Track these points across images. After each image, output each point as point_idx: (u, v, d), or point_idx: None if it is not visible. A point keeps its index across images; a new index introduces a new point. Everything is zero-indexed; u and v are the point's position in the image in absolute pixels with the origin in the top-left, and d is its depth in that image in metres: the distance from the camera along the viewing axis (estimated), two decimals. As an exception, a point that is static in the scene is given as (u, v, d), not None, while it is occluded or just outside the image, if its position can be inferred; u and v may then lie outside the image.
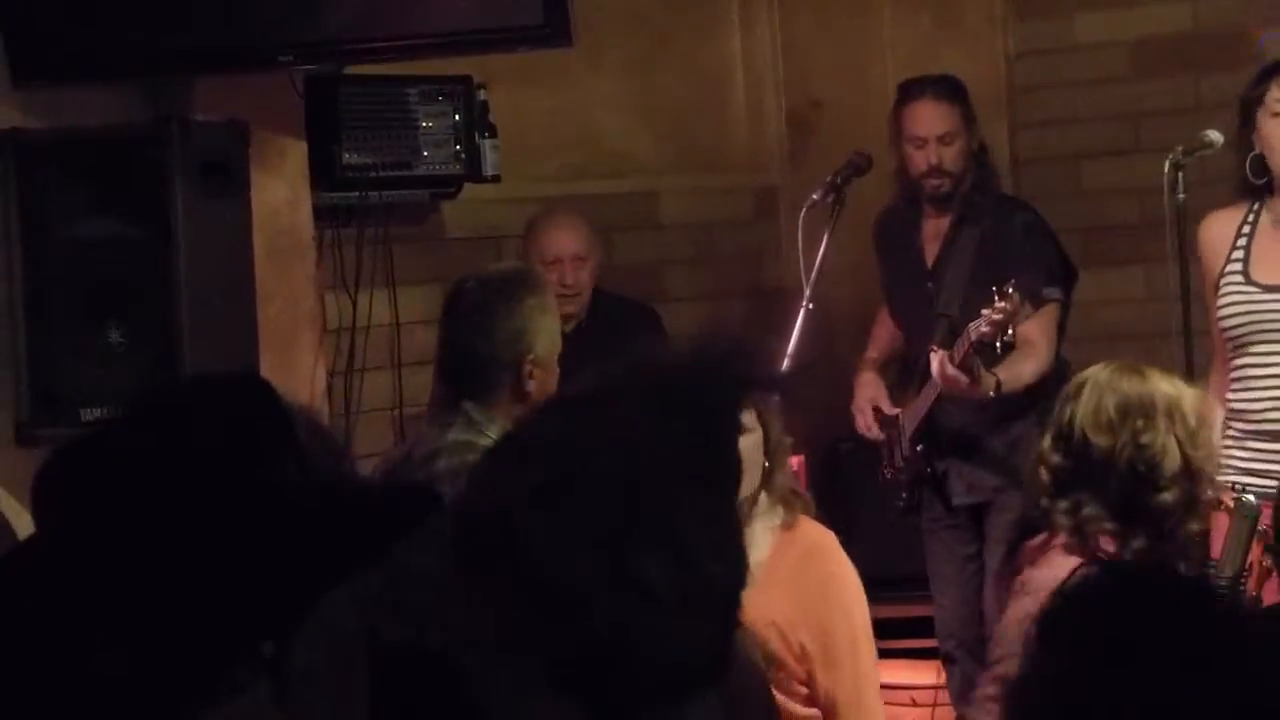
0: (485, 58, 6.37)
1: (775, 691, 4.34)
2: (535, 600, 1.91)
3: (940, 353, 6.19)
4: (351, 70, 6.21)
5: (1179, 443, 4.13)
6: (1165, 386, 4.25)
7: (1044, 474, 4.25)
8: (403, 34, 5.82)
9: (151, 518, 2.07)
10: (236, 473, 2.11)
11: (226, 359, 5.26)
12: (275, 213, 5.77)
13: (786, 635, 4.45)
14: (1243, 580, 4.35)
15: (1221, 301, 5.76)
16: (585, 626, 1.89)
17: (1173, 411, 4.17)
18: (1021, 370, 6.21)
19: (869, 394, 6.75)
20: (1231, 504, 5.10)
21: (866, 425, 6.67)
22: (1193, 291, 5.80)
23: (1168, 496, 4.11)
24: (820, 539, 4.60)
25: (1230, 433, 5.70)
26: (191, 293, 5.32)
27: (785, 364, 5.81)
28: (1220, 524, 5.47)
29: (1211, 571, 4.71)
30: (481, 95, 6.64)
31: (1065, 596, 2.52)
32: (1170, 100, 7.57)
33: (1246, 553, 4.50)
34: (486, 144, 6.67)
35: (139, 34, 5.28)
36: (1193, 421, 4.20)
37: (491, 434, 4.65)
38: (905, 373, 6.74)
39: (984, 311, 5.96)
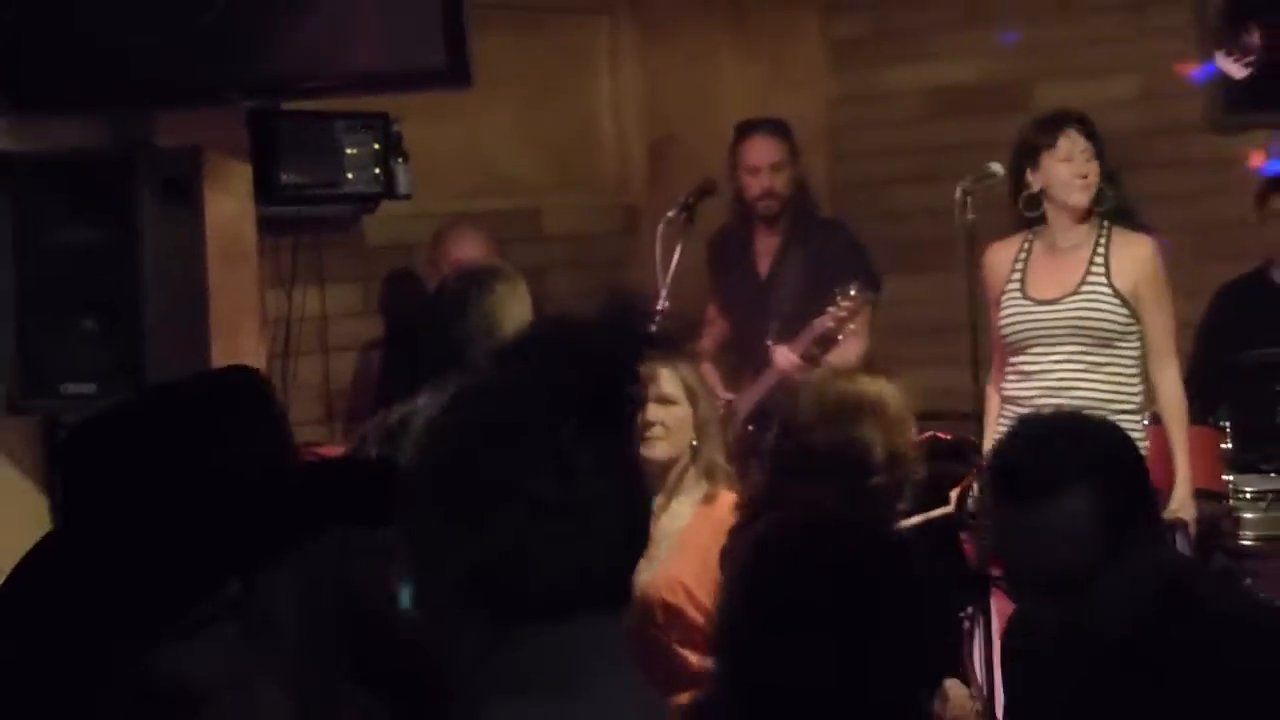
0: (399, 96, 6.33)
1: (679, 645, 4.32)
2: (444, 519, 1.90)
3: (783, 347, 6.21)
4: (289, 105, 6.17)
5: (884, 435, 4.03)
6: (871, 388, 4.15)
7: (773, 460, 4.16)
8: (331, 76, 5.77)
9: (145, 473, 2.06)
10: (223, 444, 2.09)
11: (182, 345, 5.21)
12: (224, 223, 5.70)
13: (694, 594, 4.33)
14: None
15: (1003, 314, 5.75)
16: (483, 539, 1.87)
17: (877, 409, 4.06)
18: (848, 358, 6.22)
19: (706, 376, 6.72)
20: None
21: None
22: (976, 295, 5.82)
23: (878, 481, 4.01)
24: (726, 504, 4.42)
25: (1005, 416, 5.70)
26: (154, 289, 5.26)
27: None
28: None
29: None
30: (396, 127, 6.58)
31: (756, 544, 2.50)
32: (961, 137, 7.59)
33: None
34: (400, 167, 6.63)
35: (110, 72, 5.21)
36: (894, 416, 4.10)
37: None
38: (737, 364, 6.74)
39: (829, 309, 6.01)
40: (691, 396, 4.51)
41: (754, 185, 6.63)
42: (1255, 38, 7.09)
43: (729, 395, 6.56)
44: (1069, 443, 2.88)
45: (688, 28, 8.24)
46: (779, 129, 6.77)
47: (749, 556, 2.54)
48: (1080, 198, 5.64)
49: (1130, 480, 2.87)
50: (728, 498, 4.44)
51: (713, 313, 6.91)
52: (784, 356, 6.17)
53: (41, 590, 2.10)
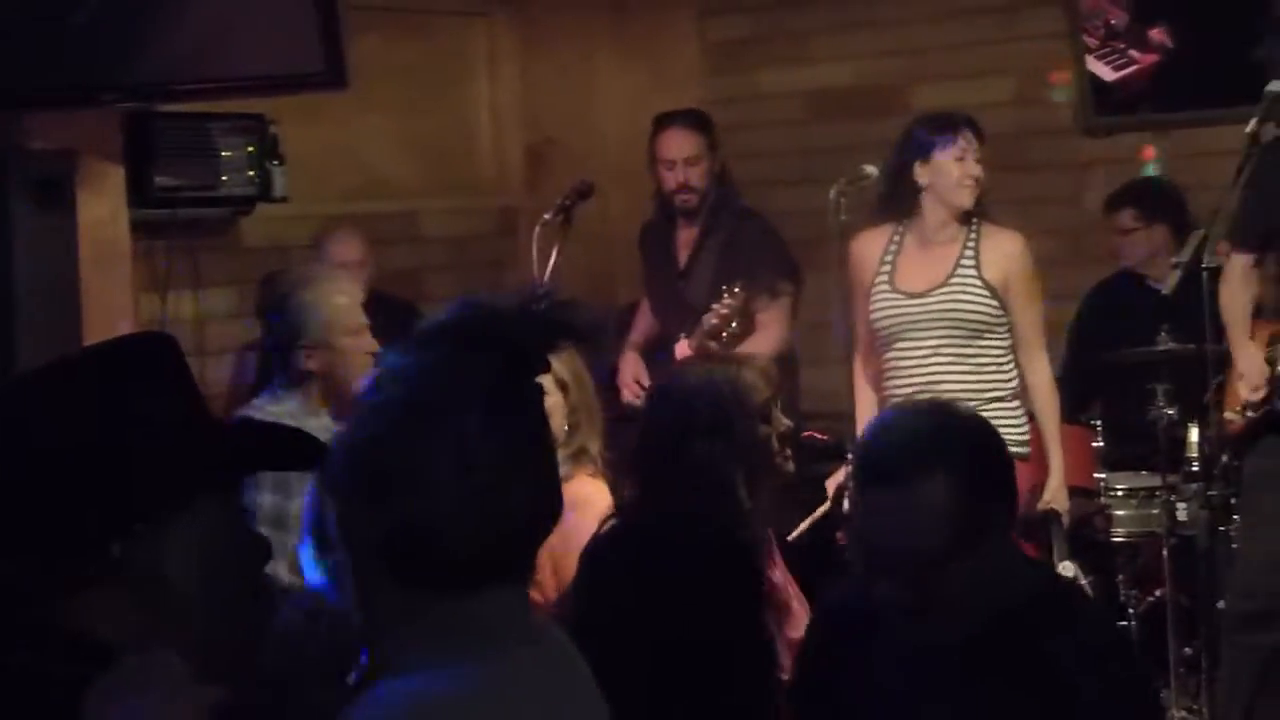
0: (276, 97, 6.33)
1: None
2: (356, 494, 1.98)
3: (682, 340, 6.25)
4: (164, 107, 6.15)
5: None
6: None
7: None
8: (207, 78, 5.75)
9: (28, 435, 2.08)
10: (115, 406, 2.10)
11: (55, 348, 5.17)
12: (97, 226, 5.68)
13: (543, 570, 4.25)
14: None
15: (873, 306, 5.75)
16: (390, 515, 1.95)
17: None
18: (761, 349, 6.22)
19: (631, 370, 6.70)
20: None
21: (632, 396, 6.58)
22: (850, 294, 5.81)
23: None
24: (585, 495, 4.37)
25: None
26: (27, 291, 5.25)
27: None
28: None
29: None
30: (272, 129, 6.59)
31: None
32: (837, 140, 7.64)
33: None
34: (276, 170, 6.63)
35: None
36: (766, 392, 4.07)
37: (290, 403, 4.62)
38: (661, 355, 6.71)
39: (714, 306, 6.01)
40: (562, 385, 4.52)
41: (669, 179, 6.60)
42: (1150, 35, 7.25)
43: (650, 385, 6.55)
44: (934, 429, 2.95)
45: (566, 31, 8.27)
46: (696, 121, 6.72)
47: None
48: (968, 198, 5.71)
49: (990, 472, 2.94)
50: (584, 484, 4.44)
51: (642, 305, 6.94)
52: (681, 349, 6.21)
53: None
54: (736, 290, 6.01)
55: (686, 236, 6.70)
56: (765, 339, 6.31)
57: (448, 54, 7.94)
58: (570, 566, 4.37)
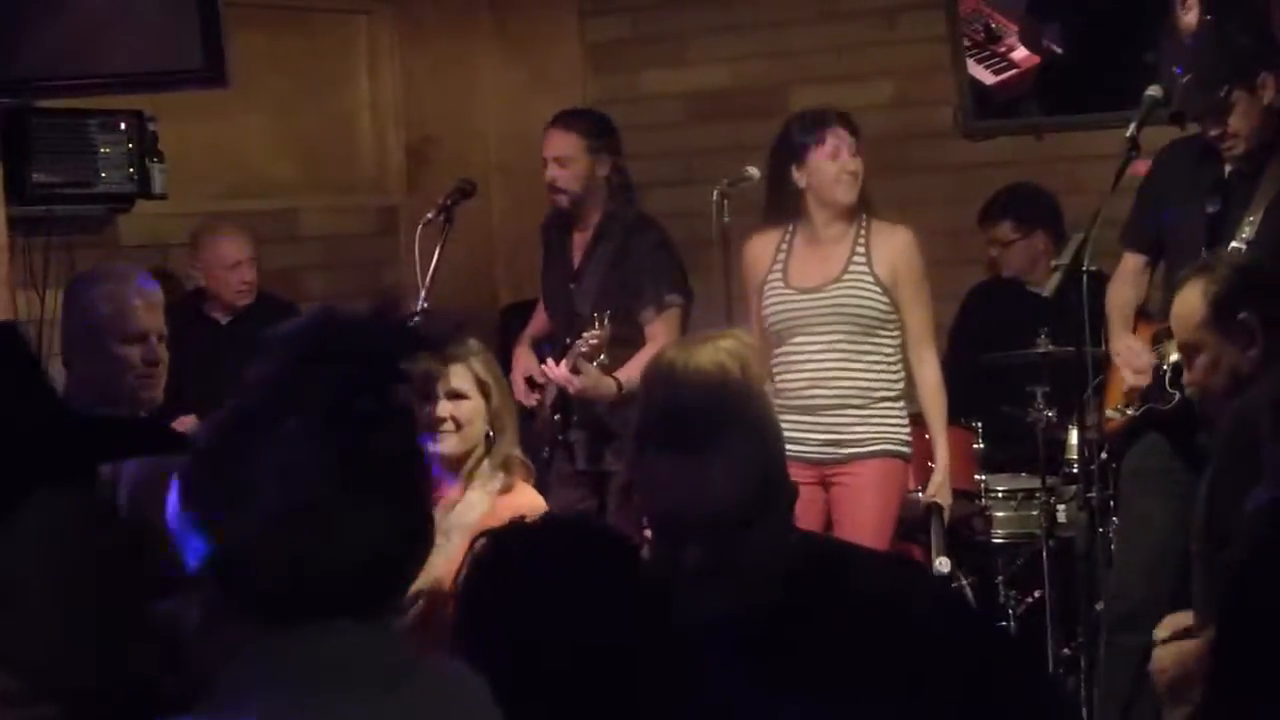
0: (155, 94, 6.29)
1: None
2: (192, 512, 1.89)
3: (549, 362, 6.21)
4: (42, 103, 6.09)
5: None
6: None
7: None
8: (85, 74, 5.73)
9: None
10: None
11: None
12: None
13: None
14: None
15: (766, 303, 5.81)
16: (219, 535, 1.86)
17: None
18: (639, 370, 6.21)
19: (523, 366, 6.64)
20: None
21: (522, 393, 6.51)
22: (733, 296, 5.87)
23: None
24: (529, 504, 4.43)
25: (776, 409, 5.75)
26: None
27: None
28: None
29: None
30: (152, 126, 6.52)
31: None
32: (716, 141, 7.68)
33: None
34: (155, 167, 6.56)
35: None
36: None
37: None
38: (553, 354, 6.65)
39: (584, 334, 5.94)
40: (484, 389, 4.52)
41: (549, 178, 6.50)
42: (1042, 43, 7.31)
43: (543, 380, 6.49)
44: (735, 396, 2.98)
45: (447, 29, 8.25)
46: (574, 122, 6.59)
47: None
48: (848, 194, 5.75)
49: (779, 432, 2.98)
50: (524, 493, 4.50)
51: (540, 302, 6.88)
52: (551, 370, 6.18)
53: None
54: (606, 323, 5.95)
55: (580, 240, 6.63)
56: (652, 351, 6.26)
57: (328, 51, 7.90)
58: None
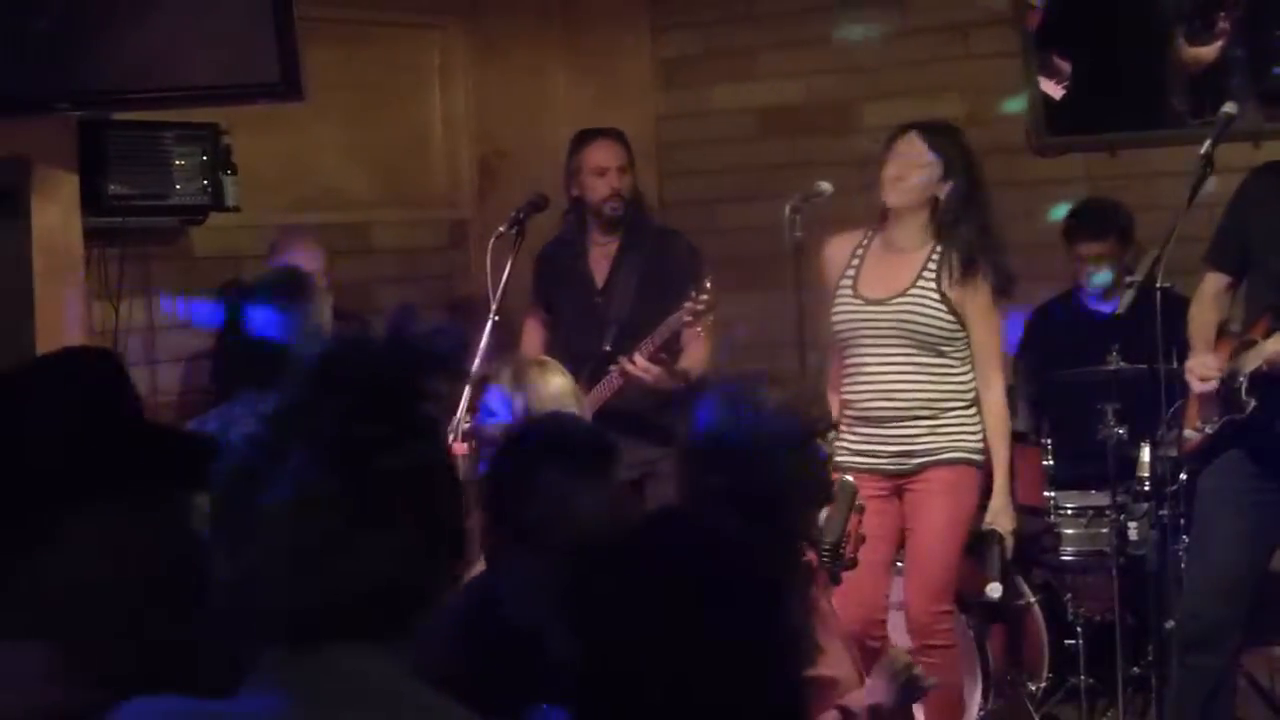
0: (229, 107, 6.33)
1: None
2: (215, 534, 1.94)
3: (635, 355, 6.26)
4: (118, 116, 6.14)
5: None
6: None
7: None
8: (161, 87, 5.76)
9: None
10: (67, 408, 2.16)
11: (7, 352, 5.17)
12: (51, 233, 5.68)
13: None
14: (842, 546, 4.43)
15: (835, 310, 5.83)
16: (231, 559, 1.89)
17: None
18: (699, 360, 6.32)
19: None
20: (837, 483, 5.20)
21: None
22: (805, 311, 5.88)
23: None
24: None
25: (845, 419, 5.76)
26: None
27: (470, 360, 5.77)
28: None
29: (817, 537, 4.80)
30: (225, 139, 6.59)
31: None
32: (788, 156, 7.69)
33: (846, 522, 4.61)
34: (228, 180, 6.63)
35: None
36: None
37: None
38: (573, 369, 6.70)
39: (686, 304, 6.04)
40: None
41: (601, 186, 6.63)
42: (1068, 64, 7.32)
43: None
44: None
45: (519, 43, 8.28)
46: (619, 135, 6.80)
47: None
48: (892, 197, 5.77)
49: None
50: None
51: (532, 322, 6.92)
52: (635, 363, 6.23)
53: None
54: (708, 288, 6.04)
55: (603, 253, 6.72)
56: (694, 355, 6.35)
57: (400, 65, 7.96)
58: None
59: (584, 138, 6.79)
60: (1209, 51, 6.99)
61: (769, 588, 2.28)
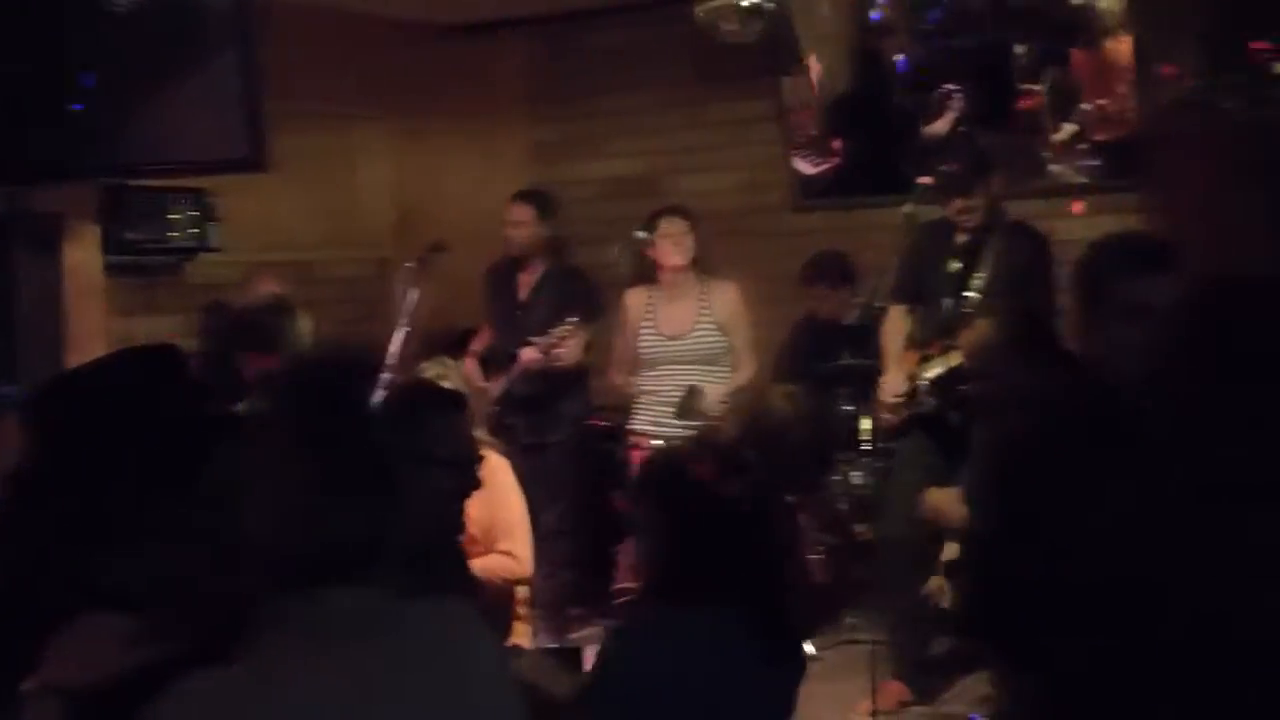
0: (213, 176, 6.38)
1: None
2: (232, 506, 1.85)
3: (526, 350, 6.38)
4: (132, 182, 6.20)
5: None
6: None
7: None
8: (163, 161, 5.76)
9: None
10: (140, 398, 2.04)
11: (45, 362, 5.15)
12: (78, 269, 5.53)
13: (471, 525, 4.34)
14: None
15: (641, 343, 6.07)
16: (249, 525, 1.81)
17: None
18: (568, 360, 6.41)
19: (472, 370, 6.76)
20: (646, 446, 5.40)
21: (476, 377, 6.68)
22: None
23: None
24: (494, 462, 4.40)
25: (642, 403, 6.00)
26: (25, 316, 5.23)
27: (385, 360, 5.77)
28: (638, 457, 5.80)
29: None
30: (210, 199, 6.60)
31: None
32: (620, 213, 7.78)
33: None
34: (212, 228, 6.63)
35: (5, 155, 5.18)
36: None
37: None
38: (496, 363, 6.76)
39: (552, 331, 6.22)
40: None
41: (509, 235, 6.77)
42: (834, 145, 7.42)
43: (484, 384, 6.63)
44: None
45: (429, 130, 8.26)
46: (532, 197, 6.82)
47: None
48: (674, 260, 6.00)
49: None
50: (493, 456, 4.47)
51: (484, 327, 6.96)
52: (529, 355, 6.40)
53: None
54: (570, 324, 6.22)
55: (527, 279, 6.79)
56: (570, 353, 6.46)
57: (342, 144, 7.90)
58: (498, 508, 4.37)
59: (512, 198, 6.88)
60: (942, 125, 6.98)
61: None
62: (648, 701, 2.58)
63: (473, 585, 3.61)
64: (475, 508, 4.12)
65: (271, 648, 1.78)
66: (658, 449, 4.85)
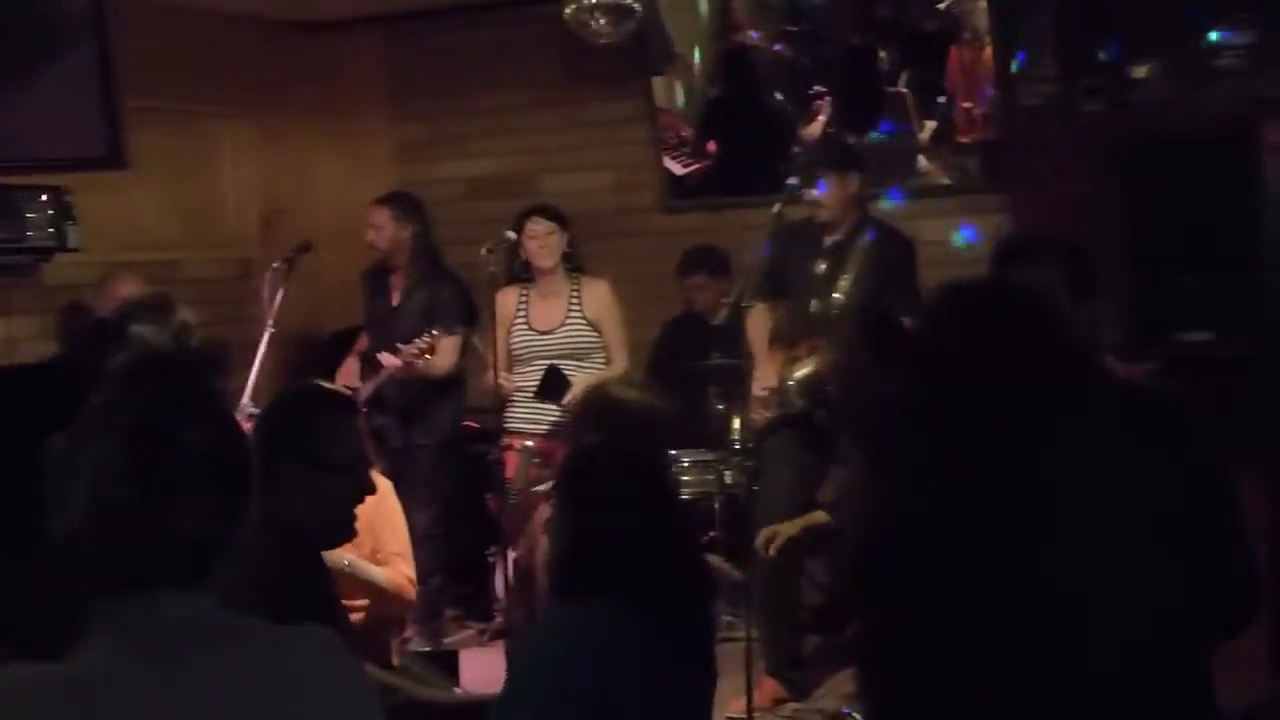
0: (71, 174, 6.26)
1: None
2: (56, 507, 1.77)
3: (385, 354, 6.33)
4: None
5: None
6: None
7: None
8: (20, 158, 5.69)
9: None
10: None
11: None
12: None
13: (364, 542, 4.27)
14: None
15: (514, 339, 6.04)
16: (69, 525, 1.73)
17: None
18: (441, 365, 6.39)
19: (351, 371, 6.76)
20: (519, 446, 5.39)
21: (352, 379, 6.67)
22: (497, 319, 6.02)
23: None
24: (381, 485, 4.24)
25: (517, 399, 5.97)
26: None
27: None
28: (512, 459, 5.80)
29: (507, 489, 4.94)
30: (68, 197, 6.46)
31: None
32: (488, 214, 7.74)
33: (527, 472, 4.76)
34: (70, 228, 6.46)
35: None
36: None
37: None
38: (370, 366, 6.72)
39: (415, 340, 6.16)
40: None
41: (370, 239, 6.68)
42: (708, 147, 7.50)
43: (357, 385, 6.58)
44: None
45: (292, 130, 8.22)
46: (387, 200, 6.75)
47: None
48: (542, 262, 6.00)
49: None
50: (379, 478, 4.35)
51: (364, 334, 6.92)
52: (388, 360, 6.33)
53: None
54: (433, 334, 6.17)
55: (397, 282, 6.75)
56: (442, 360, 6.43)
57: (204, 143, 7.81)
58: (383, 526, 4.33)
59: (372, 202, 6.79)
60: (815, 128, 7.07)
61: None
62: (559, 702, 2.60)
63: (335, 613, 3.42)
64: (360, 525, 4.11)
65: (101, 650, 1.71)
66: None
